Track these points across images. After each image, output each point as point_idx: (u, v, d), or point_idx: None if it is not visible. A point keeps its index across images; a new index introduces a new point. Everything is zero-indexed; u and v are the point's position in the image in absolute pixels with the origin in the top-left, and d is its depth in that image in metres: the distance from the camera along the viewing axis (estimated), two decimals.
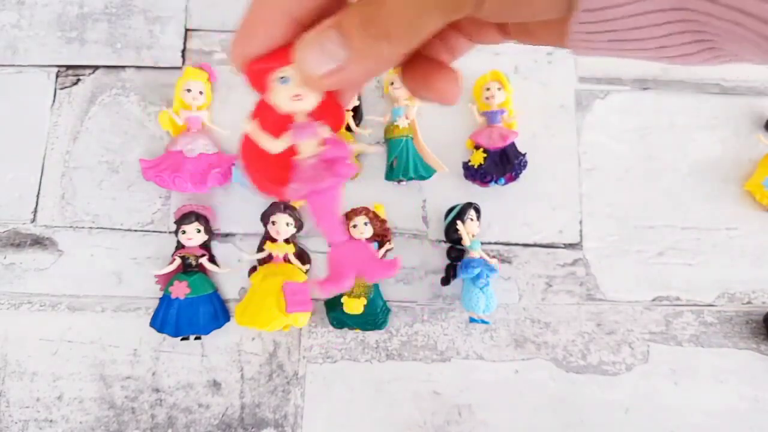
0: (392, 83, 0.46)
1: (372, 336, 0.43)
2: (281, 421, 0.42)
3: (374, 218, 0.44)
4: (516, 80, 0.49)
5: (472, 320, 0.43)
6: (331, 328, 0.43)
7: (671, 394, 0.43)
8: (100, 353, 0.42)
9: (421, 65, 0.22)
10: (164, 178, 0.43)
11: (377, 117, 0.47)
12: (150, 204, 0.45)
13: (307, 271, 0.44)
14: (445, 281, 0.44)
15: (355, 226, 0.43)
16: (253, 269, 0.44)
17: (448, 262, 0.44)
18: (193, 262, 0.43)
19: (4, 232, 0.45)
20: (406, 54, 0.21)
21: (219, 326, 0.43)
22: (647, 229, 0.46)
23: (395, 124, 0.45)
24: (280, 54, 0.20)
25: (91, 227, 0.45)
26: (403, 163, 0.44)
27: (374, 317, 0.42)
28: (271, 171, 0.22)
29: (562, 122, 0.48)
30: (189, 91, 0.45)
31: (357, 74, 0.20)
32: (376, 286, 0.43)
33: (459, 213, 0.43)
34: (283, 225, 0.43)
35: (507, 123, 0.46)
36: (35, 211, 0.45)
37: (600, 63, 0.50)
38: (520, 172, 0.45)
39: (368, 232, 0.43)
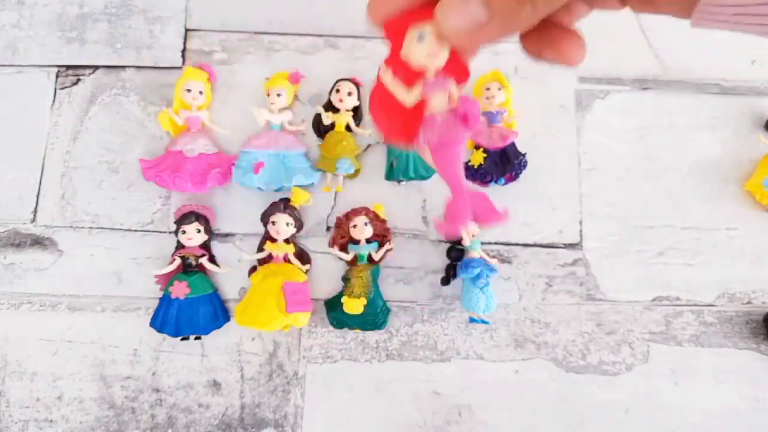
0: None
1: (372, 336, 0.43)
2: (281, 421, 0.42)
3: (374, 218, 0.44)
4: (516, 80, 0.49)
5: (472, 320, 0.43)
6: (331, 328, 0.43)
7: (671, 394, 0.43)
8: (100, 353, 0.42)
9: (546, 28, 0.22)
10: (164, 178, 0.43)
11: None
12: (150, 204, 0.45)
13: (307, 271, 0.44)
14: (445, 281, 0.43)
15: (355, 226, 0.43)
16: (253, 269, 0.44)
17: (448, 262, 0.44)
18: (193, 262, 0.43)
19: (4, 232, 0.45)
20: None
21: (219, 326, 0.43)
22: (647, 229, 0.46)
23: None
24: (419, 12, 0.22)
25: (91, 227, 0.45)
26: (403, 163, 0.44)
27: (374, 317, 0.42)
28: (400, 121, 0.23)
29: (562, 122, 0.48)
30: (189, 91, 0.45)
31: (495, 34, 0.21)
32: (376, 286, 0.43)
33: None
34: (283, 225, 0.43)
35: (507, 123, 0.46)
36: (35, 211, 0.45)
37: (600, 63, 0.50)
38: (520, 172, 0.45)
39: (368, 232, 0.43)
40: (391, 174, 0.45)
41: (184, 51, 0.49)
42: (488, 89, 0.46)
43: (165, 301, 0.42)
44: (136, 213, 0.45)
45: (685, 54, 0.50)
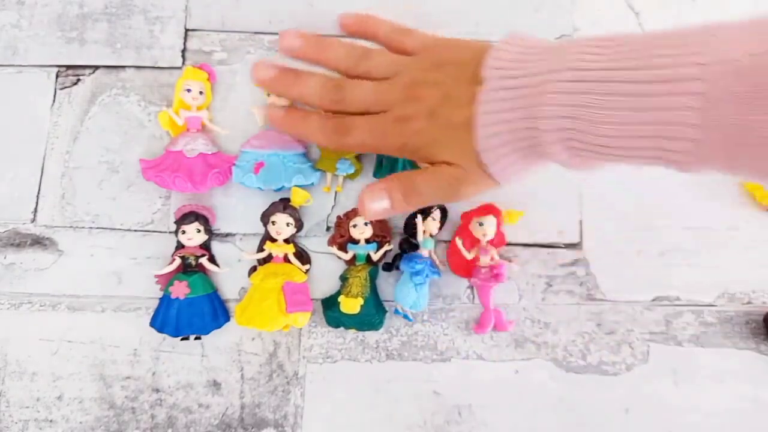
0: None
1: (372, 336, 0.43)
2: (281, 421, 0.42)
3: None
4: None
5: (396, 312, 0.44)
6: (330, 327, 0.43)
7: (671, 394, 0.43)
8: (100, 353, 0.42)
9: None
10: (164, 178, 0.43)
11: None
12: (150, 204, 0.45)
13: (307, 271, 0.44)
14: (387, 268, 0.44)
15: (355, 226, 0.43)
16: (253, 269, 0.44)
17: (398, 251, 0.44)
18: (193, 262, 0.43)
19: (4, 232, 0.45)
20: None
21: (219, 326, 0.43)
22: (647, 229, 0.46)
23: None
24: (483, 208, 0.44)
25: (91, 227, 0.45)
26: (392, 162, 0.44)
27: (370, 317, 0.42)
28: (464, 266, 0.44)
29: None
30: (189, 91, 0.45)
31: (400, 211, 0.37)
32: (374, 286, 0.44)
33: (424, 209, 0.43)
34: (283, 225, 0.43)
35: None
36: (35, 211, 0.45)
37: None
38: None
39: (368, 232, 0.43)
40: (379, 171, 0.45)
41: (184, 51, 0.49)
42: None
43: (165, 301, 0.42)
44: (136, 213, 0.45)
45: None
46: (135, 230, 0.45)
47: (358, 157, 0.46)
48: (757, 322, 0.45)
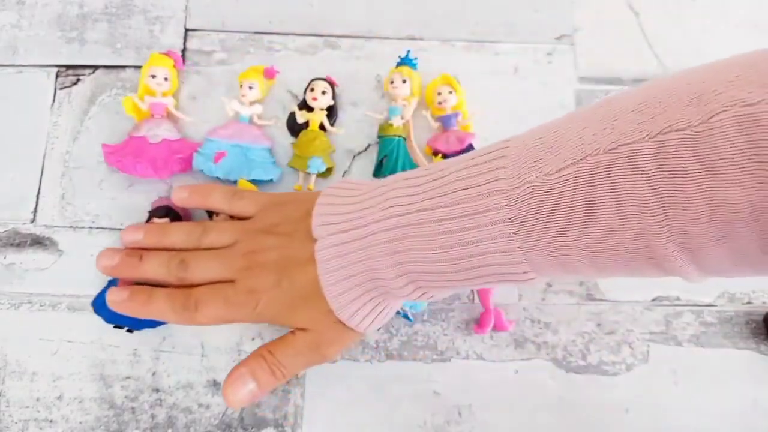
0: (392, 82, 0.46)
1: (372, 336, 0.43)
2: (281, 421, 0.42)
3: None
4: (516, 80, 0.49)
5: (396, 312, 0.43)
6: None
7: (671, 394, 0.43)
8: (100, 353, 0.42)
9: None
10: (126, 163, 0.43)
11: (375, 114, 0.47)
12: (150, 204, 0.45)
13: None
14: None
15: None
16: None
17: None
18: None
19: (4, 232, 0.45)
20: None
21: (153, 326, 0.42)
22: None
23: (390, 122, 0.45)
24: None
25: (91, 227, 0.45)
26: (392, 162, 0.44)
27: None
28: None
29: None
30: (154, 77, 0.45)
31: (265, 393, 0.37)
32: None
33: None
34: (227, 217, 0.42)
35: (462, 126, 0.46)
36: (35, 211, 0.45)
37: (600, 63, 0.50)
38: None
39: None
40: (379, 171, 0.45)
41: (184, 51, 0.49)
42: (439, 94, 0.46)
43: (112, 285, 0.41)
44: (136, 213, 0.45)
45: (685, 54, 0.50)
46: None
47: (331, 156, 0.46)
48: (757, 322, 0.45)
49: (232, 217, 0.41)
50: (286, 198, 0.39)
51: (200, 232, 0.39)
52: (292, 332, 0.36)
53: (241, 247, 0.37)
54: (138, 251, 0.40)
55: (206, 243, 0.38)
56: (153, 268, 0.38)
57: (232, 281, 0.36)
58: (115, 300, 0.39)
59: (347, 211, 0.33)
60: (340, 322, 0.34)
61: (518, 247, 0.28)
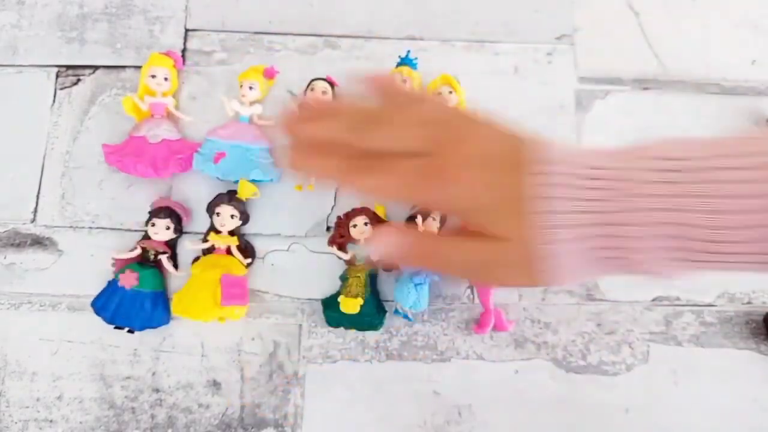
0: None
1: (372, 336, 0.43)
2: (281, 421, 0.42)
3: (374, 219, 0.44)
4: (516, 80, 0.49)
5: (396, 312, 0.43)
6: (330, 327, 0.43)
7: (671, 394, 0.43)
8: (100, 353, 0.42)
9: None
10: (126, 163, 0.43)
11: None
12: (150, 204, 0.45)
13: (248, 265, 0.44)
14: (388, 268, 0.44)
15: (355, 226, 0.43)
16: (197, 259, 0.44)
17: None
18: (152, 257, 0.43)
19: (4, 232, 0.45)
20: None
21: (154, 326, 0.42)
22: None
23: None
24: None
25: (91, 227, 0.45)
26: None
27: (370, 318, 0.42)
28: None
29: (562, 122, 0.48)
30: (153, 77, 0.45)
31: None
32: (374, 286, 0.44)
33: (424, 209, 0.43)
34: (227, 217, 0.43)
35: None
36: (35, 211, 0.45)
37: (600, 63, 0.50)
38: None
39: (369, 232, 0.43)
40: None
41: (184, 51, 0.49)
42: (439, 94, 0.46)
43: (112, 286, 0.42)
44: (136, 213, 0.45)
45: (685, 54, 0.50)
46: (135, 230, 0.45)
47: None
48: (757, 322, 0.45)
49: None
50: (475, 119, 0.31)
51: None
52: (487, 237, 0.28)
53: (439, 140, 0.29)
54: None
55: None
56: (334, 122, 0.30)
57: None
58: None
59: (576, 158, 0.27)
60: (537, 257, 0.27)
61: None
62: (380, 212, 0.44)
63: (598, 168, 0.26)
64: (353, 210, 0.44)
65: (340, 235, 0.44)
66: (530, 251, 0.27)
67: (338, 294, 0.43)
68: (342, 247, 0.44)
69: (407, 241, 0.30)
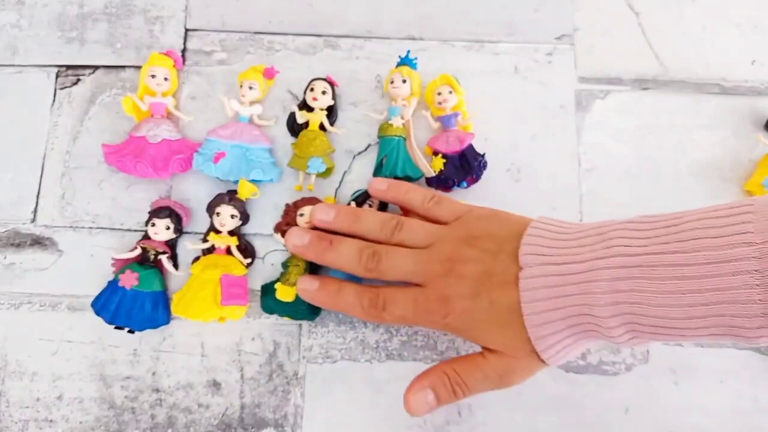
0: (392, 81, 0.46)
1: (372, 336, 0.43)
2: (281, 421, 0.42)
3: None
4: (516, 80, 0.49)
5: None
6: (330, 327, 0.43)
7: (671, 394, 0.43)
8: (100, 353, 0.42)
9: None
10: (126, 163, 0.43)
11: (375, 114, 0.47)
12: (150, 204, 0.45)
13: (248, 265, 0.44)
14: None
15: (302, 215, 0.43)
16: (197, 259, 0.44)
17: None
18: (152, 257, 0.43)
19: (4, 232, 0.45)
20: None
21: (154, 326, 0.42)
22: None
23: (390, 122, 0.45)
24: None
25: (91, 227, 0.45)
26: (392, 162, 0.44)
27: (304, 307, 0.42)
28: None
29: (562, 122, 0.48)
30: (153, 77, 0.45)
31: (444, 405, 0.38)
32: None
33: (360, 197, 0.44)
34: (227, 217, 0.43)
35: (462, 126, 0.46)
36: (35, 211, 0.45)
37: (600, 63, 0.50)
38: (481, 173, 0.45)
39: None
40: (379, 171, 0.45)
41: (184, 51, 0.49)
42: (439, 94, 0.46)
43: (112, 286, 0.42)
44: (136, 213, 0.45)
45: (685, 54, 0.50)
46: (135, 230, 0.45)
47: (331, 156, 0.46)
48: None
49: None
50: (487, 213, 0.38)
51: (394, 226, 0.38)
52: (482, 355, 0.35)
53: (438, 252, 0.35)
54: (328, 235, 0.39)
55: (398, 238, 0.38)
56: (344, 255, 0.38)
57: (420, 285, 0.36)
58: (306, 289, 0.39)
59: (560, 246, 0.32)
60: (534, 352, 0.33)
61: (759, 300, 0.27)
62: (330, 203, 0.44)
63: (564, 254, 0.32)
64: (302, 199, 0.44)
65: (286, 223, 0.44)
66: (528, 353, 0.33)
67: (276, 281, 0.42)
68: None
69: (437, 386, 0.37)
